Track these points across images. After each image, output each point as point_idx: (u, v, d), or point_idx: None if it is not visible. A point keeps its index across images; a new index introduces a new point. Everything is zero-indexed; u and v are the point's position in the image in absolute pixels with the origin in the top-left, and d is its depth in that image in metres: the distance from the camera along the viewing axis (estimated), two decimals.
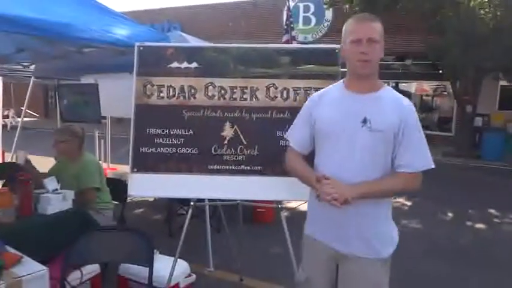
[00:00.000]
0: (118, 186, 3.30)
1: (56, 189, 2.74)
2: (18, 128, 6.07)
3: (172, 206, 4.41)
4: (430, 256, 4.10)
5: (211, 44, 2.87)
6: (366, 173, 1.64)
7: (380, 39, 1.63)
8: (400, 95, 1.74)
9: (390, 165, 1.68)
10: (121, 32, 2.90)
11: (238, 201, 2.78)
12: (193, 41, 4.03)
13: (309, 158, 1.87)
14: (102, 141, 6.34)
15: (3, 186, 3.19)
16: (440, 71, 12.13)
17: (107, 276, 2.87)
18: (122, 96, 4.17)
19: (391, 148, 1.65)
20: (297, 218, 5.02)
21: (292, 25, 7.28)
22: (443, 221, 5.50)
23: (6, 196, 2.41)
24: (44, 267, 2.01)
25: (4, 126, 7.00)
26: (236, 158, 2.56)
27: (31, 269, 1.98)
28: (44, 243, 2.43)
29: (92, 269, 2.59)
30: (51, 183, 2.73)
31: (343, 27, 1.73)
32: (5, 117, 12.53)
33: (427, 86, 15.40)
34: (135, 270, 2.59)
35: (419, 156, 1.65)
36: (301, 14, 14.60)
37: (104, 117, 5.96)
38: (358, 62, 1.64)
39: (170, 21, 16.30)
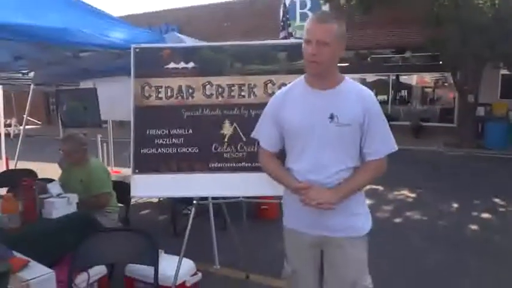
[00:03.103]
0: (122, 189, 3.32)
1: (60, 194, 2.76)
2: (21, 136, 6.11)
3: (176, 206, 4.44)
4: (433, 246, 4.10)
5: (208, 43, 2.89)
6: (340, 162, 1.71)
7: (332, 42, 1.61)
8: (361, 86, 1.78)
9: (358, 156, 1.76)
10: (116, 34, 2.92)
11: (241, 198, 2.79)
12: (190, 42, 4.04)
13: (281, 155, 1.89)
14: (105, 145, 6.37)
15: (7, 192, 3.22)
16: (441, 62, 12.10)
17: (114, 278, 2.90)
18: (121, 99, 4.20)
19: (358, 137, 1.72)
20: None
21: (288, 22, 7.28)
22: (447, 212, 5.49)
23: (11, 202, 2.44)
24: (51, 270, 2.03)
25: (7, 134, 7.04)
26: (237, 155, 2.58)
27: (38, 273, 2.01)
28: (50, 247, 2.45)
29: (98, 271, 2.62)
30: (54, 188, 2.76)
31: None
32: (8, 125, 12.60)
33: (428, 77, 15.36)
34: (141, 271, 2.61)
35: (384, 143, 1.73)
36: (298, 11, 14.58)
37: (105, 122, 5.98)
38: (307, 62, 1.68)
39: (167, 23, 16.33)
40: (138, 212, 5.20)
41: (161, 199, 5.42)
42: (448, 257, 3.82)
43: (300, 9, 14.58)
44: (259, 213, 4.81)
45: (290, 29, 7.17)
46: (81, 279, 2.49)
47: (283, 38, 6.74)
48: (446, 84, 14.88)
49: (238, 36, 13.97)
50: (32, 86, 5.57)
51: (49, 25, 2.46)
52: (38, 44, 2.65)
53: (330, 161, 1.70)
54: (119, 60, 3.23)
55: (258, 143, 1.96)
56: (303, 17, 14.54)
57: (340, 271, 1.78)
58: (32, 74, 4.98)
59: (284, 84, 2.61)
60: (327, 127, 1.68)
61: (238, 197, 2.80)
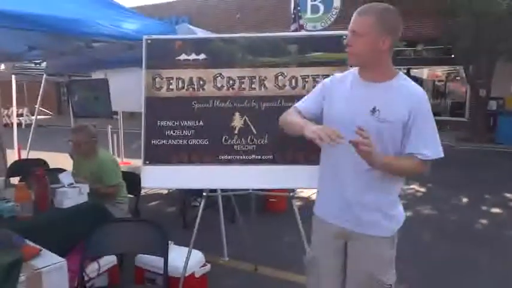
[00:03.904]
0: (132, 180, 3.35)
1: (72, 184, 2.79)
2: (33, 126, 6.18)
3: (186, 198, 4.46)
4: (444, 241, 4.07)
5: (219, 35, 2.87)
6: None
7: (365, 33, 1.59)
8: (414, 84, 1.71)
9: (399, 153, 1.68)
10: (129, 26, 2.92)
11: (251, 191, 2.79)
12: (201, 34, 4.03)
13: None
14: (115, 136, 6.41)
15: (20, 181, 3.26)
16: (453, 56, 11.91)
17: (124, 267, 2.93)
18: (132, 90, 4.21)
19: (399, 137, 1.65)
20: (310, 206, 5.02)
21: (300, 14, 7.19)
22: (458, 206, 5.44)
23: (24, 191, 2.47)
24: (63, 259, 2.06)
25: (19, 124, 7.13)
26: (247, 147, 2.57)
27: (50, 261, 2.03)
28: (61, 237, 2.48)
29: (109, 261, 2.65)
30: (66, 178, 2.79)
31: None
32: (19, 115, 12.75)
33: (440, 71, 15.14)
34: (151, 261, 2.63)
35: (430, 146, 1.64)
36: (309, 3, 14.43)
37: (116, 113, 6.02)
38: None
39: (178, 15, 16.30)
40: (147, 203, 5.24)
41: (170, 190, 5.46)
42: (459, 252, 3.79)
43: (311, 1, 14.43)
44: (268, 206, 4.82)
45: (301, 21, 7.08)
46: (91, 268, 2.53)
47: (294, 31, 6.66)
48: (458, 78, 14.67)
49: (249, 29, 13.90)
50: (44, 76, 5.61)
51: (63, 15, 2.47)
52: (52, 34, 2.66)
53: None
54: (131, 51, 3.23)
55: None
56: (314, 9, 14.40)
57: (359, 263, 1.76)
58: (44, 64, 5.02)
59: (294, 77, 2.64)
60: (366, 120, 1.62)
61: (248, 190, 2.80)
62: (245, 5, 15.62)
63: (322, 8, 14.31)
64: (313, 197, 5.42)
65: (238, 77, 2.62)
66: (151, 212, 4.96)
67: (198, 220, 2.64)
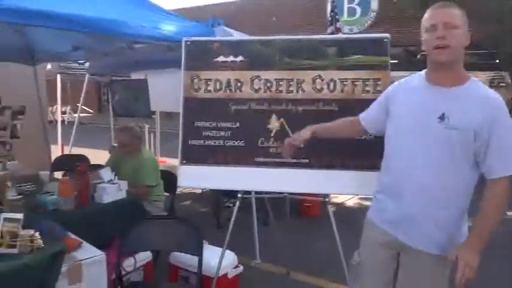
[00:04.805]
0: (168, 179, 3.42)
1: (111, 180, 2.88)
2: (75, 123, 6.44)
3: (219, 199, 4.50)
4: (490, 254, 3.88)
5: (257, 37, 2.88)
6: (439, 174, 1.55)
7: (460, 25, 1.51)
8: (490, 90, 1.58)
9: (470, 169, 1.55)
10: (169, 28, 2.98)
11: (285, 194, 2.78)
12: (238, 36, 4.06)
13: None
14: (152, 135, 6.58)
15: (63, 176, 3.40)
16: (497, 61, 11.39)
17: (158, 264, 2.99)
18: (170, 91, 4.30)
19: (471, 150, 1.51)
20: (344, 212, 4.95)
21: (337, 16, 7.10)
22: (503, 219, 5.17)
23: (68, 185, 2.57)
24: (102, 252, 2.13)
25: (62, 121, 7.44)
26: None
27: (90, 254, 2.11)
28: (100, 231, 2.55)
29: (144, 256, 2.71)
30: (106, 174, 2.88)
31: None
32: (63, 113, 13.32)
33: (483, 76, 14.51)
34: (185, 259, 2.67)
35: (506, 162, 1.49)
36: (346, 5, 14.21)
37: (154, 112, 6.17)
38: (434, 49, 1.53)
39: (214, 17, 16.51)
40: (181, 201, 5.32)
41: (204, 190, 5.52)
42: (506, 265, 3.60)
43: (348, 3, 14.22)
44: (302, 210, 4.77)
45: (338, 24, 6.98)
46: (128, 263, 2.59)
47: (331, 33, 6.59)
48: (503, 84, 14.00)
49: (284, 31, 13.88)
50: (87, 76, 5.84)
51: (107, 17, 2.55)
52: (96, 35, 2.76)
53: (427, 171, 1.56)
54: (170, 52, 3.30)
55: None
56: (351, 11, 14.17)
57: (410, 280, 1.66)
58: (87, 64, 5.22)
59: (333, 81, 2.60)
60: (433, 127, 1.53)
61: (283, 193, 2.79)
62: (281, 8, 15.60)
63: (359, 10, 14.05)
64: (348, 203, 5.36)
65: (275, 79, 2.62)
66: (185, 211, 5.04)
67: (232, 221, 2.65)
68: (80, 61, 4.91)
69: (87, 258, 2.05)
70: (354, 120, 1.93)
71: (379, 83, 2.50)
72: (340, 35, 5.59)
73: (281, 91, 2.60)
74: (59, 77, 6.54)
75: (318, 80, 2.58)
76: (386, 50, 2.52)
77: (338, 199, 5.47)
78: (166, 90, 4.47)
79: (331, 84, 2.57)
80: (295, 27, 14.26)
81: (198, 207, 5.33)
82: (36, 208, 2.54)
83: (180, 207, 4.98)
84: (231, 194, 4.07)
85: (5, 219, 1.91)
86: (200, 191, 5.66)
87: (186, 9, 17.47)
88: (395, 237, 1.67)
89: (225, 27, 4.46)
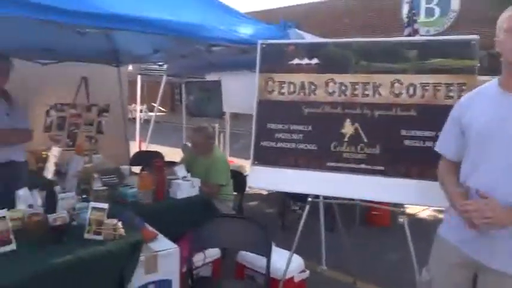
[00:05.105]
0: (238, 178, 3.50)
1: (185, 177, 3.00)
2: (152, 121, 6.84)
3: (286, 201, 4.50)
4: None
5: (332, 40, 2.83)
6: None
7: None
8: None
9: None
10: (245, 30, 3.04)
11: (357, 201, 2.70)
12: (310, 38, 4.03)
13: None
14: (222, 135, 6.76)
15: (141, 171, 3.61)
16: None
17: (226, 261, 3.06)
18: (242, 92, 4.39)
19: None
20: (417, 224, 4.68)
21: (415, 17, 6.75)
22: None
23: (148, 179, 2.73)
24: (176, 246, 2.23)
25: (135, 119, 7.93)
26: (356, 156, 2.49)
27: (165, 246, 2.22)
28: (173, 225, 2.66)
29: (214, 253, 2.79)
30: (181, 171, 3.02)
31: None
32: (139, 111, 14.19)
33: None
34: (252, 258, 2.70)
35: None
36: (424, 5, 13.49)
37: (224, 113, 6.35)
38: None
39: (286, 20, 16.57)
40: (247, 202, 5.40)
41: (270, 192, 5.56)
42: None
43: (426, 3, 13.48)
44: (369, 219, 4.59)
45: (416, 26, 6.64)
46: (198, 258, 2.68)
47: (408, 35, 6.28)
48: None
49: (356, 33, 13.54)
50: (164, 77, 6.17)
51: (187, 21, 2.67)
52: (176, 38, 2.89)
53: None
54: (244, 55, 3.36)
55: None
56: (429, 12, 13.42)
57: None
58: (165, 66, 5.51)
59: (413, 85, 2.47)
60: None
61: (354, 200, 2.71)
62: (353, 10, 15.23)
63: (437, 11, 13.27)
64: (421, 214, 5.06)
65: (350, 82, 2.55)
66: (251, 211, 5.11)
67: (301, 225, 2.63)
68: (159, 63, 5.18)
69: (163, 250, 2.16)
70: (449, 165, 1.74)
71: (464, 87, 2.33)
72: (421, 37, 5.32)
73: (356, 95, 2.53)
74: (139, 77, 6.98)
75: (397, 84, 2.46)
76: (473, 53, 2.34)
77: (411, 209, 5.19)
78: (238, 92, 4.57)
79: (411, 89, 2.44)
80: (368, 30, 13.84)
81: (264, 208, 5.37)
82: (118, 199, 2.73)
83: (246, 207, 5.06)
84: (298, 197, 4.05)
85: (93, 208, 2.08)
86: (266, 191, 5.71)
87: (256, 13, 17.72)
88: (472, 257, 1.54)
89: (298, 30, 4.46)
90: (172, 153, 5.18)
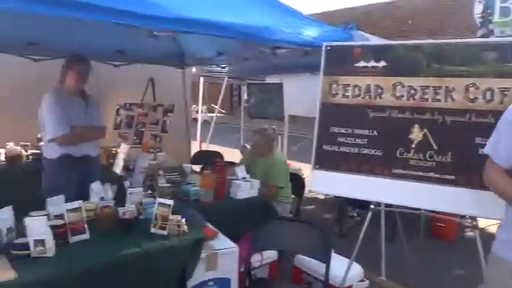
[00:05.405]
0: (296, 182, 3.47)
1: (245, 178, 3.04)
2: (213, 122, 7.02)
3: (344, 207, 4.39)
4: None
5: (401, 41, 2.71)
6: None
7: None
8: None
9: None
10: (309, 33, 3.01)
11: (422, 211, 2.56)
12: (375, 41, 3.90)
13: None
14: (280, 137, 6.77)
15: (201, 170, 3.70)
16: None
17: (282, 264, 3.04)
18: (302, 95, 4.36)
19: None
20: (487, 238, 4.36)
21: (490, 17, 6.30)
22: None
23: (210, 178, 2.80)
24: (235, 245, 2.26)
25: (197, 120, 8.15)
26: (424, 163, 2.36)
27: (225, 245, 2.26)
28: (233, 224, 2.69)
29: (271, 255, 2.79)
30: (241, 172, 3.05)
31: None
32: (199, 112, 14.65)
33: None
34: (309, 263, 2.67)
35: None
36: (498, 4, 12.50)
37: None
38: None
39: (346, 22, 16.24)
40: (303, 205, 5.35)
41: (327, 196, 5.46)
42: None
43: (501, 3, 12.50)
44: (435, 231, 4.33)
45: (490, 26, 6.19)
46: (255, 258, 2.69)
47: (481, 37, 5.88)
48: None
49: (421, 35, 12.92)
50: (225, 79, 6.30)
51: (253, 24, 2.69)
52: (242, 41, 2.93)
53: None
54: (305, 57, 3.33)
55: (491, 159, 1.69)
56: (504, 12, 12.39)
57: None
58: (226, 68, 5.63)
59: (490, 90, 2.30)
60: None
61: (419, 209, 2.57)
62: (418, 10, 14.55)
63: None
64: (492, 228, 4.69)
65: (420, 86, 2.43)
66: (308, 215, 5.04)
67: (362, 232, 2.56)
68: (222, 65, 5.30)
69: (223, 249, 2.20)
70: (501, 169, 1.62)
71: None
72: (502, 38, 4.93)
73: (426, 99, 2.40)
74: (201, 79, 7.20)
75: (472, 89, 2.31)
76: None
77: (480, 223, 4.84)
78: (298, 95, 4.55)
79: (488, 94, 2.27)
80: (434, 31, 13.16)
81: (320, 212, 5.29)
82: (180, 196, 2.82)
83: (302, 211, 5.01)
84: (357, 203, 3.94)
85: (159, 204, 2.16)
86: (323, 196, 5.62)
87: (316, 14, 17.58)
88: None
89: (361, 32, 4.34)
90: (229, 154, 5.26)
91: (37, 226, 1.81)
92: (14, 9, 1.74)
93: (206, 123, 7.55)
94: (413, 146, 2.39)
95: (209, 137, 6.75)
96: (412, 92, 2.44)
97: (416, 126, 2.40)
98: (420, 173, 2.35)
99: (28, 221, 1.83)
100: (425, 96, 2.41)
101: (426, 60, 2.44)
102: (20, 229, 1.93)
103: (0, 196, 2.13)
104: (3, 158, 3.75)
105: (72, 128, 2.76)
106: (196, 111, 9.21)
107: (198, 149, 6.31)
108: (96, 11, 1.92)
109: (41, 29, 2.99)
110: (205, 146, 6.74)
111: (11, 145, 3.83)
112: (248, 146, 4.97)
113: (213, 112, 12.60)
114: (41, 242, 1.80)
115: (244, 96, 8.05)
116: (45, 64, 3.99)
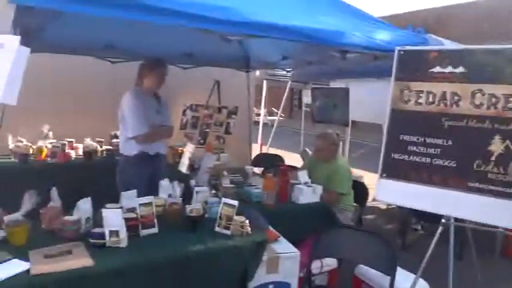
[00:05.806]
0: (359, 189, 3.37)
1: (307, 182, 3.01)
2: (275, 126, 7.06)
3: (408, 219, 4.19)
4: None
5: (483, 46, 2.53)
6: None
7: None
8: None
9: None
10: (381, 37, 2.91)
11: (500, 229, 2.37)
12: (450, 45, 3.68)
13: None
14: (341, 143, 6.63)
15: (263, 172, 3.74)
16: None
17: (341, 273, 2.96)
18: (369, 101, 4.23)
19: None
20: None
21: None
22: None
23: (272, 181, 2.81)
24: (297, 250, 2.25)
25: (258, 122, 8.24)
26: (504, 178, 2.18)
27: (286, 249, 2.25)
28: (294, 229, 2.69)
29: (331, 262, 2.74)
30: (303, 176, 3.03)
31: None
32: (258, 115, 14.82)
33: None
34: (372, 275, 2.57)
35: None
36: None
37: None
38: None
39: (414, 25, 15.55)
40: (365, 214, 5.18)
41: (390, 207, 5.25)
42: None
43: None
44: (508, 250, 4.00)
45: None
46: (315, 265, 2.65)
47: None
48: None
49: (498, 39, 11.99)
50: (289, 83, 6.30)
51: (323, 28, 2.66)
52: (309, 45, 2.91)
53: None
54: (374, 62, 3.23)
55: None
56: None
57: None
58: (291, 72, 5.63)
59: None
60: None
61: (496, 227, 2.38)
62: (494, 13, 13.53)
63: None
64: None
65: (503, 94, 2.25)
66: (369, 225, 4.88)
67: (431, 247, 2.41)
68: (287, 69, 5.31)
69: (285, 253, 2.20)
70: None
71: None
72: None
73: (510, 108, 2.22)
74: (265, 83, 7.26)
75: None
76: None
77: None
78: (364, 100, 4.42)
79: None
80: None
81: (382, 223, 5.09)
82: (242, 198, 2.86)
83: (365, 220, 4.86)
84: (424, 216, 3.74)
85: (225, 204, 2.21)
86: (385, 206, 5.41)
87: (382, 18, 17.01)
88: None
89: (435, 36, 4.13)
90: (289, 157, 5.24)
91: (113, 218, 1.93)
92: (93, 14, 1.84)
93: (266, 126, 7.60)
94: (493, 158, 2.21)
95: (270, 140, 6.78)
96: (494, 100, 2.27)
97: (498, 137, 2.23)
98: (499, 188, 2.17)
99: (105, 212, 1.95)
100: (509, 105, 2.22)
101: (510, 66, 2.26)
102: (95, 220, 2.07)
103: (79, 188, 2.30)
104: (81, 152, 4.06)
105: (151, 127, 2.91)
106: (257, 114, 9.32)
107: (258, 152, 6.37)
108: (174, 16, 2.01)
109: (116, 33, 3.19)
110: (266, 149, 6.79)
111: (88, 141, 4.13)
112: (309, 151, 4.92)
113: (272, 115, 12.65)
114: (115, 233, 1.92)
115: (306, 100, 8.01)
116: (119, 66, 4.26)
